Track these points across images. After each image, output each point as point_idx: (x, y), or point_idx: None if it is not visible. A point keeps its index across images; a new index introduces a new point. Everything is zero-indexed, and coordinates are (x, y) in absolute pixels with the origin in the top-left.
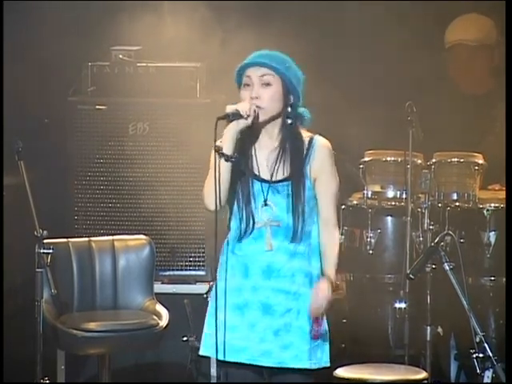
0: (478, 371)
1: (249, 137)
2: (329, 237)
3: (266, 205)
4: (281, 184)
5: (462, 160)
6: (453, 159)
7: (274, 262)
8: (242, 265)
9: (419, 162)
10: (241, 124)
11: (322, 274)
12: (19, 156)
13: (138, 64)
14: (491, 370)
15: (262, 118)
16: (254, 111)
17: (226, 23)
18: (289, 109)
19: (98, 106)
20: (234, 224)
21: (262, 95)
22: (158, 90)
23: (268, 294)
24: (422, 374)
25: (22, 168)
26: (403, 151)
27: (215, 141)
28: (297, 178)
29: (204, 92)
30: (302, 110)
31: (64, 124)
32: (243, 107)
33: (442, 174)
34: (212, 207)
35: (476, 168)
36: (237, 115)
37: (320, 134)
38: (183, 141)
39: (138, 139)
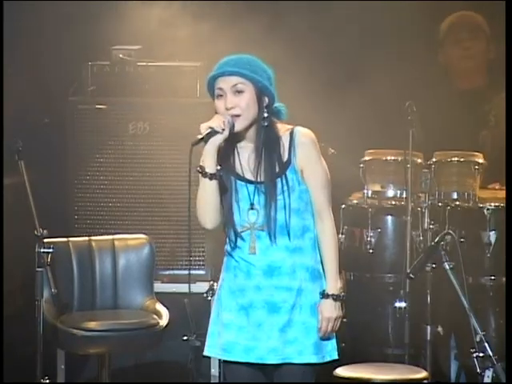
0: (478, 371)
1: (230, 146)
2: (323, 231)
3: (252, 208)
4: (265, 184)
5: (461, 159)
6: (453, 159)
7: (274, 260)
8: (243, 266)
9: (419, 161)
10: (218, 140)
11: (322, 294)
12: (19, 156)
13: (139, 63)
14: (491, 370)
15: (239, 126)
16: (229, 122)
17: (227, 22)
18: (265, 114)
19: (98, 106)
20: (227, 228)
21: (236, 104)
22: (158, 89)
23: (271, 292)
24: (422, 374)
25: (22, 168)
26: (403, 151)
27: (190, 170)
28: (277, 175)
29: (204, 91)
30: (277, 105)
31: (64, 124)
32: (217, 123)
33: (442, 173)
34: (208, 226)
35: (476, 167)
36: (212, 133)
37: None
38: (183, 140)
39: (138, 139)
